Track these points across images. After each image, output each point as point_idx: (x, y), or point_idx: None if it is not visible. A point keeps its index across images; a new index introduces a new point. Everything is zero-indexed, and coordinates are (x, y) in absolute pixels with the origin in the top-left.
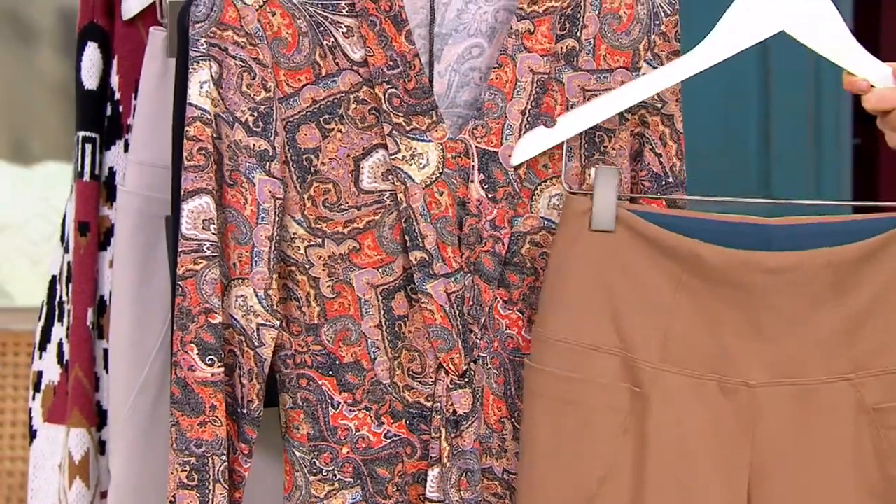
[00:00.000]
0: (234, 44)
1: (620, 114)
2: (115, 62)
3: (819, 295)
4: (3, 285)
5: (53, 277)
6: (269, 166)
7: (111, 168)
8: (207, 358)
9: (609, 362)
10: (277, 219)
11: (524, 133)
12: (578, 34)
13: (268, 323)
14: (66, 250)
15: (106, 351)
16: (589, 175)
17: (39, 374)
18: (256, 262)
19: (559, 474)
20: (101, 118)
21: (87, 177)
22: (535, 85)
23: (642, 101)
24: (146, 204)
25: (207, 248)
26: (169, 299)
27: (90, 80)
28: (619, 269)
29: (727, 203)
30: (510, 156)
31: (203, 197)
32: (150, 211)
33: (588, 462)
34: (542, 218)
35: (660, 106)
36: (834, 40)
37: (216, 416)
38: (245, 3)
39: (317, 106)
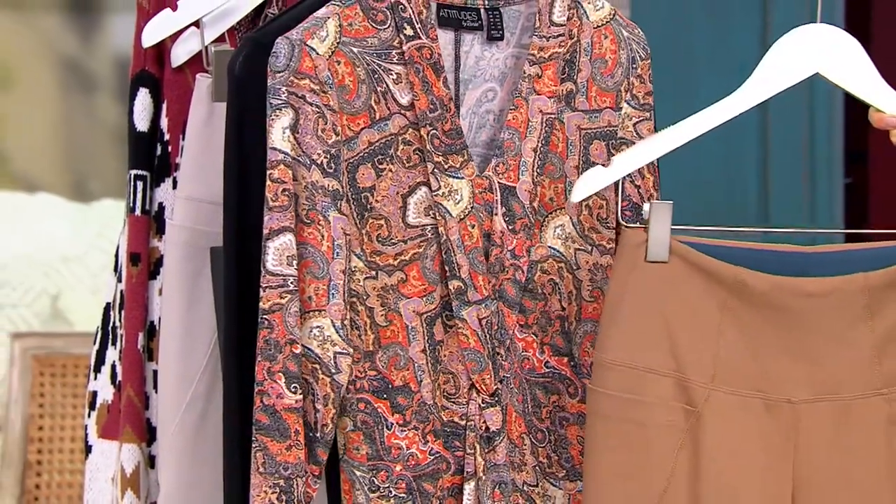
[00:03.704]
0: (310, 91)
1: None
2: (164, 106)
3: (854, 316)
4: (64, 313)
5: (107, 304)
6: (340, 204)
7: (161, 203)
8: (292, 386)
9: (665, 383)
10: (348, 253)
11: (536, 168)
12: (575, 77)
13: (344, 351)
14: (119, 279)
15: (155, 372)
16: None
17: (94, 394)
18: (333, 294)
19: (624, 489)
20: (152, 158)
21: (138, 212)
22: (543, 125)
23: (623, 138)
24: (193, 236)
25: (291, 283)
26: (213, 324)
27: (142, 123)
28: (672, 296)
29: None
30: (572, 194)
31: (287, 235)
32: (197, 243)
33: (650, 476)
34: (549, 247)
35: (636, 142)
36: (864, 80)
37: (299, 440)
38: (318, 54)
39: (372, 147)
